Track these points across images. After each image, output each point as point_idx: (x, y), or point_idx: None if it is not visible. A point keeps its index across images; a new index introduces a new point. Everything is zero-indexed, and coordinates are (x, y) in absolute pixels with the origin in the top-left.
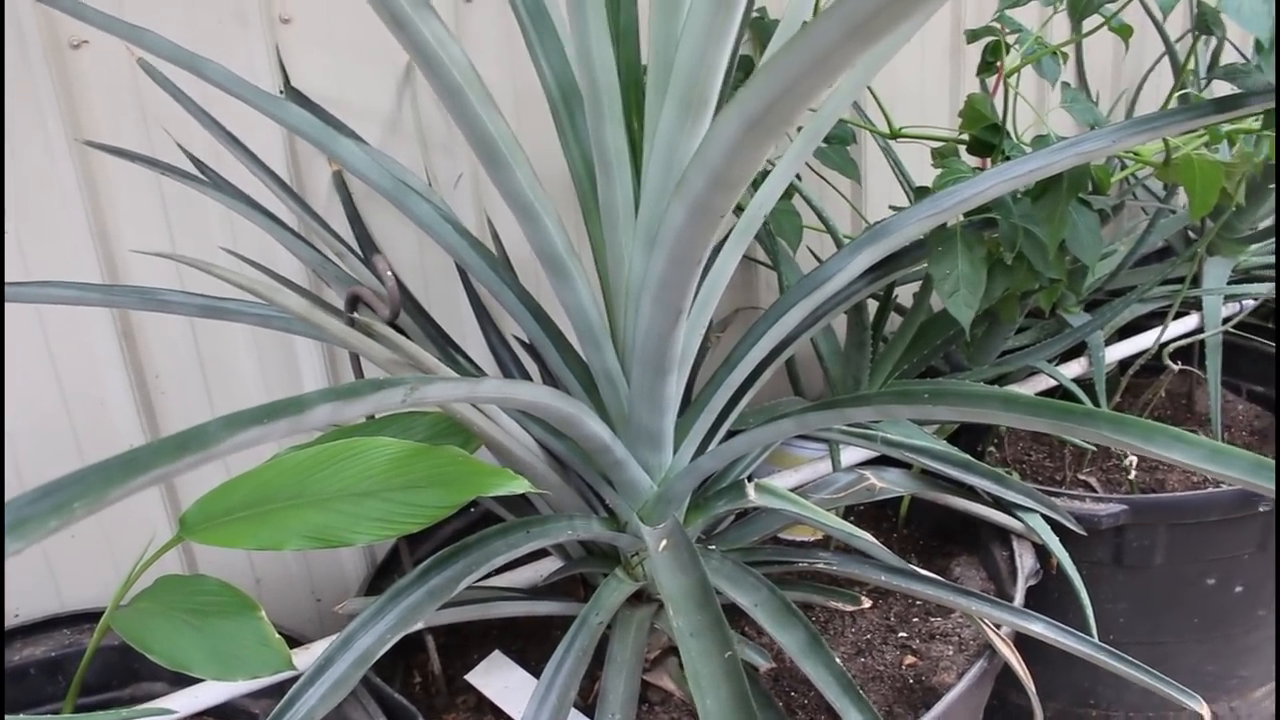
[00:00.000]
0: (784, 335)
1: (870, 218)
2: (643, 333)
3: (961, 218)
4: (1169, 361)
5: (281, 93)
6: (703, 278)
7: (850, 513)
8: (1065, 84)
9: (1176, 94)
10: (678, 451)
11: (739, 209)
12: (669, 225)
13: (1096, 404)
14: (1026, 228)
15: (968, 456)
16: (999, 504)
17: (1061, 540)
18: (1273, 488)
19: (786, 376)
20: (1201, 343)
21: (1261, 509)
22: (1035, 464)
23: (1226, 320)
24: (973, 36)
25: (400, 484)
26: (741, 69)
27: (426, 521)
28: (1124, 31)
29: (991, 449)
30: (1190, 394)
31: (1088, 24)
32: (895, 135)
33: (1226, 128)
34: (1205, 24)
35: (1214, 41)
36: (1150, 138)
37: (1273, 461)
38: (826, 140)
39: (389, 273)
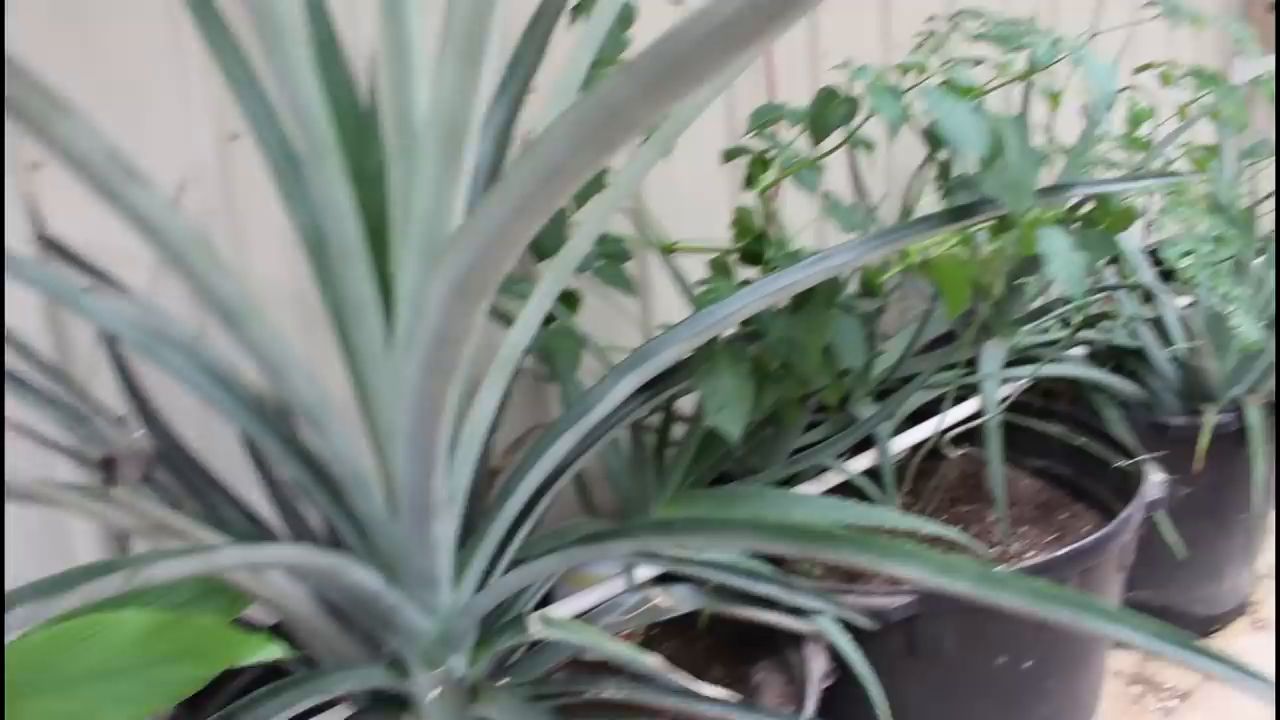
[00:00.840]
0: (557, 462)
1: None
2: (402, 480)
3: (736, 328)
4: (945, 450)
5: (39, 240)
6: (464, 419)
7: (655, 625)
8: (825, 193)
9: (920, 202)
10: (460, 588)
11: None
12: (406, 382)
13: (885, 493)
14: (790, 339)
15: (755, 564)
16: (794, 607)
17: (858, 636)
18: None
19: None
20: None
21: None
22: None
23: (1004, 401)
24: (728, 156)
25: (150, 661)
26: None
27: (180, 697)
28: (866, 147)
29: None
30: (979, 474)
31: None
32: (669, 250)
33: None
34: (935, 139)
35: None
36: (890, 250)
37: (996, 569)
38: (603, 257)
39: (137, 433)
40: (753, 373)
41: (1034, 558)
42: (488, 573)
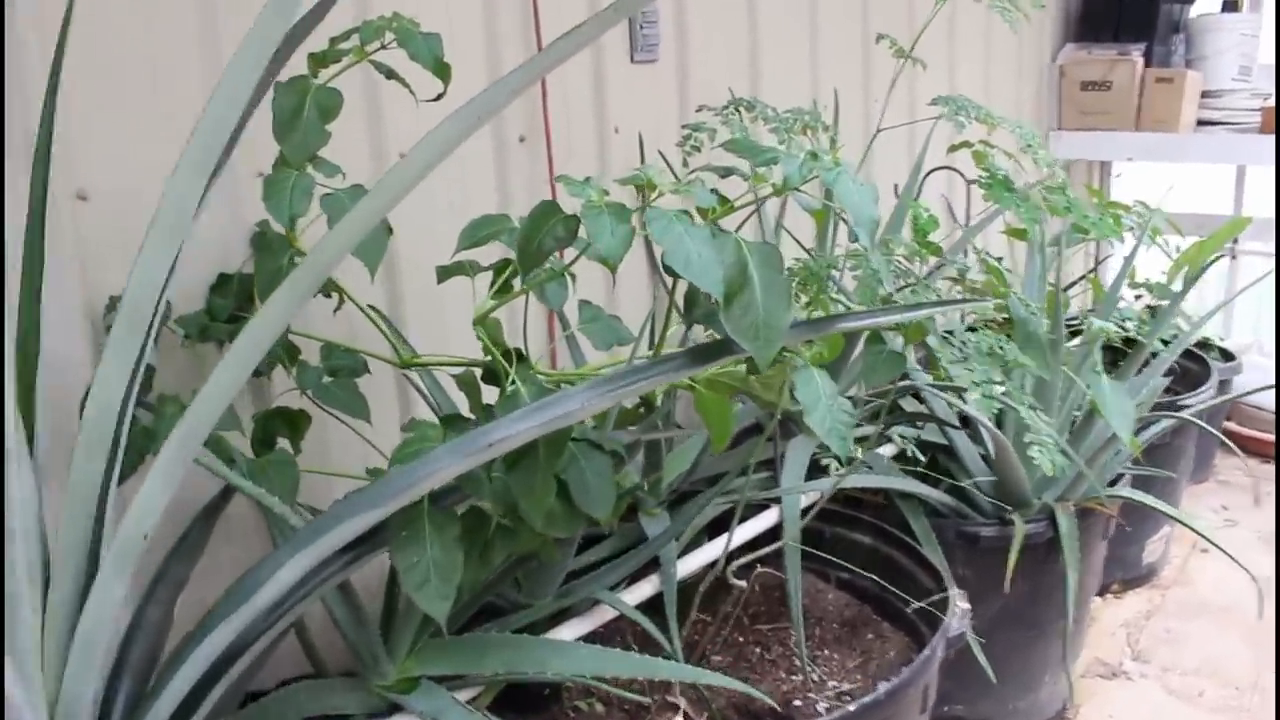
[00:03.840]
0: (220, 651)
1: None
2: None
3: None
4: (732, 579)
5: None
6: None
7: None
8: (584, 302)
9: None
10: None
11: None
12: None
13: (666, 628)
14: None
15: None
16: None
17: None
18: None
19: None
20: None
21: None
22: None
23: (807, 512)
24: (443, 274)
25: None
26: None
27: None
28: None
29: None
30: (783, 586)
31: None
32: (407, 365)
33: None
34: (669, 270)
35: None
36: (625, 394)
37: None
38: (331, 373)
39: None
40: (465, 536)
41: (835, 688)
42: None
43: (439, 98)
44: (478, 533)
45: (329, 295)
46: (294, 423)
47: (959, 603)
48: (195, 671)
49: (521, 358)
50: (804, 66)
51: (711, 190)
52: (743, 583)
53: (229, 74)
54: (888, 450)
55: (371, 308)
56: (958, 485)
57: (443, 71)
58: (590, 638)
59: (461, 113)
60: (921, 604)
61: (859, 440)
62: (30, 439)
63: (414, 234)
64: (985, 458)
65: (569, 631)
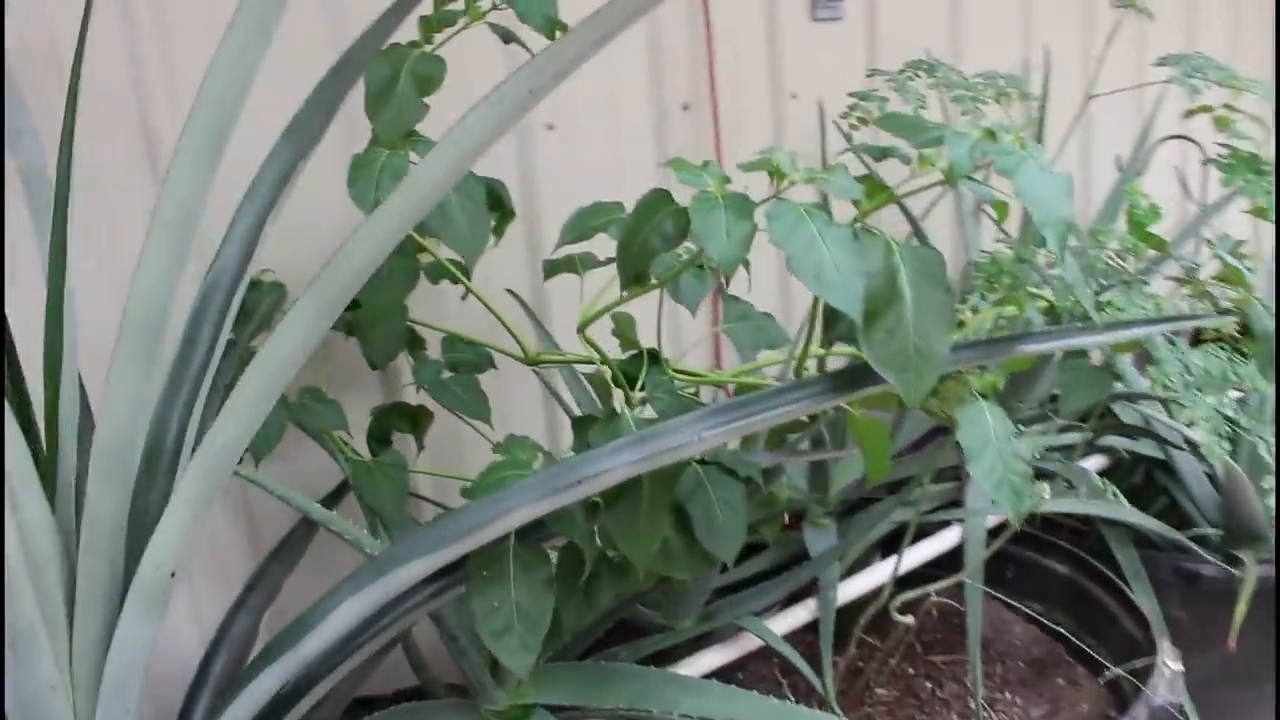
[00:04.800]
0: (267, 698)
1: None
2: None
3: None
4: (896, 614)
5: None
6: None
7: None
8: (731, 297)
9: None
10: None
11: None
12: None
13: (819, 666)
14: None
15: None
16: None
17: None
18: None
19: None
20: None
21: None
22: None
23: (996, 532)
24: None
25: None
26: None
27: None
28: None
29: None
30: (963, 614)
31: None
32: (533, 362)
33: None
34: None
35: None
36: (751, 426)
37: None
38: (452, 368)
39: None
40: (564, 575)
41: None
42: None
43: None
44: (579, 570)
45: (455, 282)
46: (414, 419)
47: (1169, 663)
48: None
49: (655, 358)
50: (1013, 23)
51: (864, 178)
52: (909, 619)
53: None
54: (1094, 463)
55: (511, 293)
56: (1175, 505)
57: (555, 31)
58: (734, 666)
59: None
60: (1119, 671)
61: (1062, 449)
62: (53, 457)
63: (561, 212)
64: (1211, 477)
65: (711, 659)
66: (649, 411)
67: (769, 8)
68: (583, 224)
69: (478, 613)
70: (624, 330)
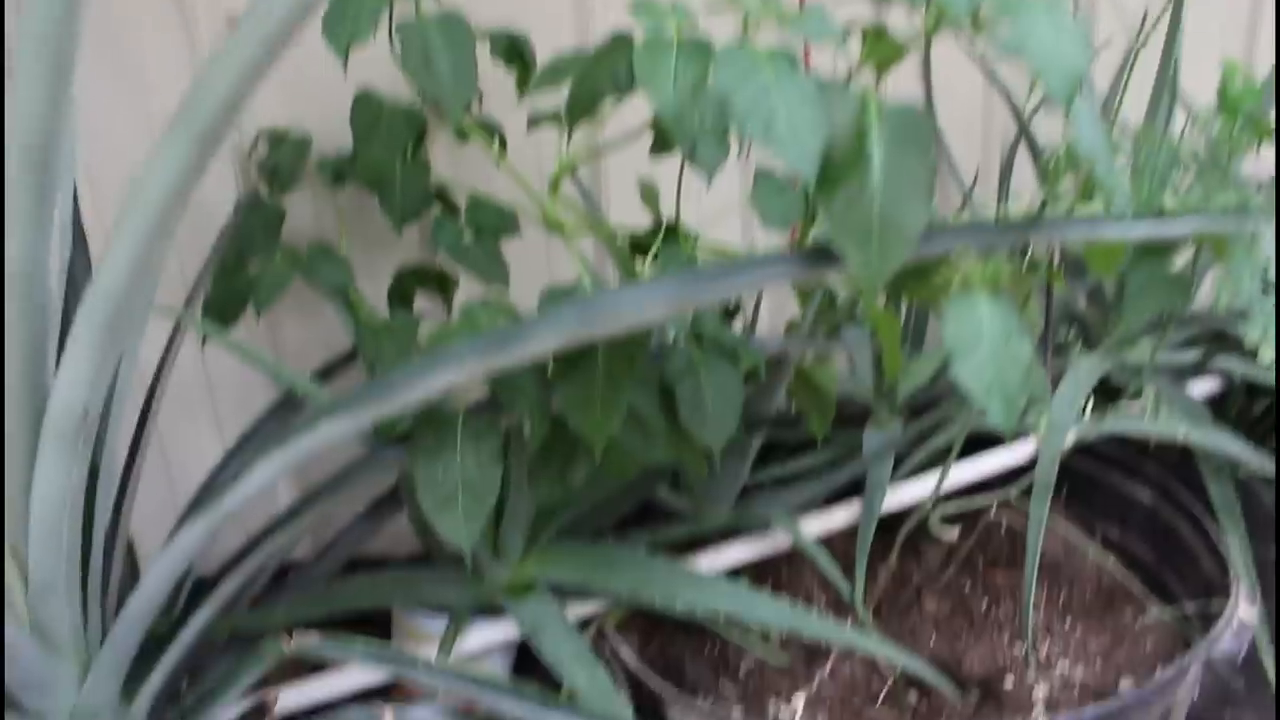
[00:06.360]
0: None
1: None
2: None
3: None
4: (936, 529)
5: None
6: None
7: None
8: (761, 171)
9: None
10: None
11: None
12: None
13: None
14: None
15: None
16: None
17: None
18: None
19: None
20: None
21: None
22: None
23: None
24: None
25: None
26: None
27: None
28: None
29: None
30: None
31: None
32: (553, 227)
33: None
34: None
35: None
36: (705, 298)
37: None
38: (476, 230)
39: None
40: (505, 453)
41: (1063, 674)
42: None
43: None
44: (552, 447)
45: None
46: (441, 282)
47: (1241, 611)
48: (168, 572)
49: (671, 230)
50: None
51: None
52: (953, 532)
53: None
54: (1202, 387)
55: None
56: None
57: None
58: (771, 569)
59: None
60: (1183, 614)
61: (1173, 370)
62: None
63: None
64: None
65: (737, 553)
66: None
67: None
68: (555, 74)
69: (420, 482)
70: (649, 197)
